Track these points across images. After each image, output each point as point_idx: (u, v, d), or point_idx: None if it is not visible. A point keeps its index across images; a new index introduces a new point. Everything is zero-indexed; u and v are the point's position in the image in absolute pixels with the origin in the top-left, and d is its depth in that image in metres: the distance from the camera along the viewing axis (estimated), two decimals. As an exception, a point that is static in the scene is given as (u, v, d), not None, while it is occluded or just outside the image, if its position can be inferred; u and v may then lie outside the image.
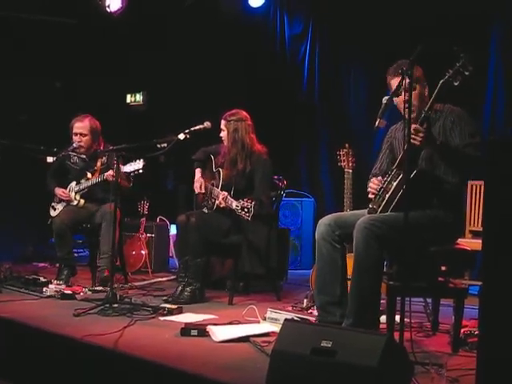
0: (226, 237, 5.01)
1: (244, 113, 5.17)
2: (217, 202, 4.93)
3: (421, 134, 3.42)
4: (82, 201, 5.62)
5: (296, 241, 7.26)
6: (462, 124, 3.66)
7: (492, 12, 5.93)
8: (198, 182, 5.30)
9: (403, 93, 3.41)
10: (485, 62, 5.94)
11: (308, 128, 7.66)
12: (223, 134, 5.15)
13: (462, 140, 3.62)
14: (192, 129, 4.94)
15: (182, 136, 4.86)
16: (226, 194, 4.87)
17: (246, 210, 4.57)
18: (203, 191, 5.27)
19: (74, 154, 5.68)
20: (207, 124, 5.04)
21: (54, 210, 5.71)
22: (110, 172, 5.30)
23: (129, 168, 4.89)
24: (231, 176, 5.11)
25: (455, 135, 3.64)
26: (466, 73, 3.41)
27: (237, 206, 4.62)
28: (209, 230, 4.92)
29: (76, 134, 5.62)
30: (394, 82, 3.70)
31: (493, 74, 5.94)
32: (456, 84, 3.44)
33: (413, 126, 3.37)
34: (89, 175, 5.64)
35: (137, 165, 4.85)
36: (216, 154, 5.33)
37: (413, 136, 3.40)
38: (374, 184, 3.76)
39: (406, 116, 3.66)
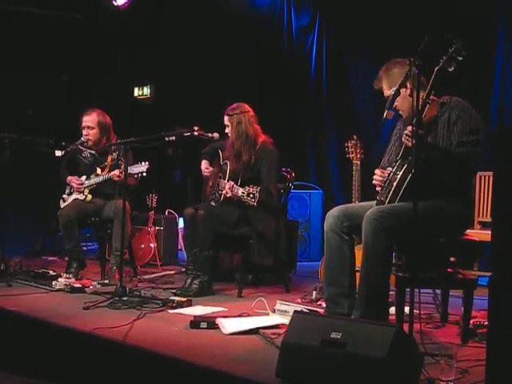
0: (235, 228, 5.01)
1: (245, 105, 5.17)
2: (223, 192, 4.93)
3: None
4: (90, 196, 5.64)
5: (305, 233, 7.25)
6: (467, 119, 3.60)
7: (500, 2, 5.89)
8: (205, 166, 5.36)
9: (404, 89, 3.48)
10: (492, 54, 5.91)
11: (316, 120, 7.65)
12: (228, 130, 5.15)
13: (460, 136, 3.57)
14: (200, 133, 5.07)
15: (187, 133, 5.02)
16: (232, 183, 4.87)
17: (251, 195, 4.60)
18: (210, 171, 5.31)
19: (83, 148, 5.71)
20: (215, 135, 5.23)
21: (64, 201, 5.73)
22: (116, 172, 5.38)
23: (133, 169, 5.03)
24: (237, 168, 5.11)
25: (456, 130, 3.59)
26: (460, 58, 3.39)
27: (243, 192, 4.65)
28: (217, 222, 4.92)
29: (84, 128, 5.67)
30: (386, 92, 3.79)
31: (501, 65, 5.90)
32: (451, 70, 3.42)
33: (409, 128, 3.39)
34: (99, 171, 5.66)
35: (141, 167, 5.03)
36: (223, 148, 5.34)
37: (407, 138, 3.43)
38: (377, 176, 3.74)
39: (405, 114, 3.71)
